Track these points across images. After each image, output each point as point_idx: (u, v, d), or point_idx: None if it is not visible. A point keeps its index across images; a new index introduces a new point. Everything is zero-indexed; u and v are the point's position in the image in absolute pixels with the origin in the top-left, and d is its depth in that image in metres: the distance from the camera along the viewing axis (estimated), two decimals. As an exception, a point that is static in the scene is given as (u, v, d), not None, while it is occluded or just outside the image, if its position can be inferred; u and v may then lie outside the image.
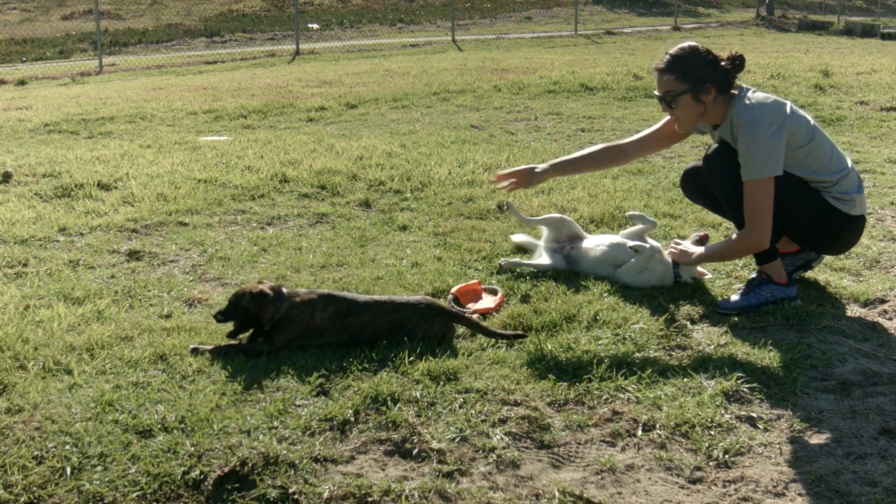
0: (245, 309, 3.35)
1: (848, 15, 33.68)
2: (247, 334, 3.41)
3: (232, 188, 6.06)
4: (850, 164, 3.81)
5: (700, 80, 3.69)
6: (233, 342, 3.37)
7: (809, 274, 4.17)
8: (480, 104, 10.44)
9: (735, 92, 3.76)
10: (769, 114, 3.61)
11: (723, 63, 3.72)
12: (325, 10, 31.16)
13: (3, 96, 12.86)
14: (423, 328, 3.36)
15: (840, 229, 3.80)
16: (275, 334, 3.35)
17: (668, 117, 4.00)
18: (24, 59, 20.83)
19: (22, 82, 15.33)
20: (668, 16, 31.03)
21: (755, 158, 3.59)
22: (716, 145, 3.85)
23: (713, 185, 3.90)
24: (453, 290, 3.89)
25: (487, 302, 3.85)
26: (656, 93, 3.82)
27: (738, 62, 3.73)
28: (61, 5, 29.70)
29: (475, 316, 3.63)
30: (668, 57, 3.75)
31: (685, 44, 3.80)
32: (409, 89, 11.74)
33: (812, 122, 3.75)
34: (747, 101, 3.67)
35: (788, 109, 3.66)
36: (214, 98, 11.44)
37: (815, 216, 3.76)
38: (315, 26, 26.98)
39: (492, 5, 33.75)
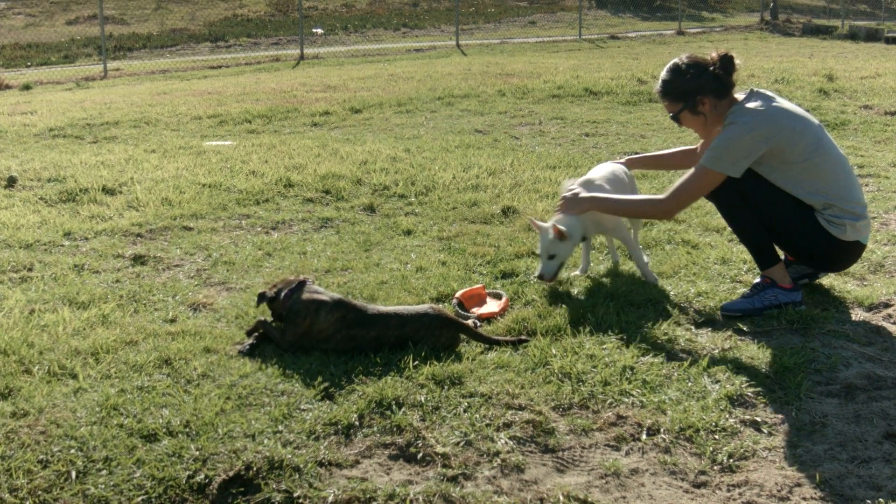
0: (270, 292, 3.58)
1: (852, 19, 33.66)
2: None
3: (236, 193, 6.07)
4: (853, 194, 3.72)
5: (690, 95, 3.78)
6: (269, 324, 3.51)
7: (814, 278, 4.17)
8: (485, 108, 10.45)
9: (740, 96, 3.77)
10: (757, 120, 3.62)
11: (711, 68, 3.76)
12: (330, 15, 31.20)
13: (9, 101, 12.90)
14: (430, 341, 3.36)
15: (828, 250, 3.75)
16: (285, 327, 3.42)
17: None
18: (28, 63, 20.89)
19: (27, 87, 15.37)
20: (672, 20, 31.02)
21: (715, 151, 3.65)
22: None
23: (708, 198, 3.93)
24: (458, 294, 3.89)
25: (492, 306, 3.85)
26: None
27: (724, 61, 3.75)
28: (66, 10, 29.77)
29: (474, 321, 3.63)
30: (659, 82, 3.88)
31: (670, 63, 3.88)
32: (413, 94, 11.76)
33: (821, 145, 3.68)
34: (746, 105, 3.69)
35: (787, 124, 3.63)
36: (219, 103, 11.46)
37: (804, 234, 3.74)
38: (319, 31, 27.03)
39: (496, 10, 33.78)
